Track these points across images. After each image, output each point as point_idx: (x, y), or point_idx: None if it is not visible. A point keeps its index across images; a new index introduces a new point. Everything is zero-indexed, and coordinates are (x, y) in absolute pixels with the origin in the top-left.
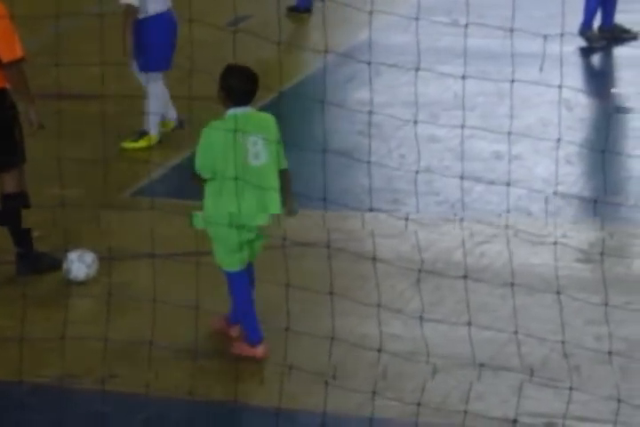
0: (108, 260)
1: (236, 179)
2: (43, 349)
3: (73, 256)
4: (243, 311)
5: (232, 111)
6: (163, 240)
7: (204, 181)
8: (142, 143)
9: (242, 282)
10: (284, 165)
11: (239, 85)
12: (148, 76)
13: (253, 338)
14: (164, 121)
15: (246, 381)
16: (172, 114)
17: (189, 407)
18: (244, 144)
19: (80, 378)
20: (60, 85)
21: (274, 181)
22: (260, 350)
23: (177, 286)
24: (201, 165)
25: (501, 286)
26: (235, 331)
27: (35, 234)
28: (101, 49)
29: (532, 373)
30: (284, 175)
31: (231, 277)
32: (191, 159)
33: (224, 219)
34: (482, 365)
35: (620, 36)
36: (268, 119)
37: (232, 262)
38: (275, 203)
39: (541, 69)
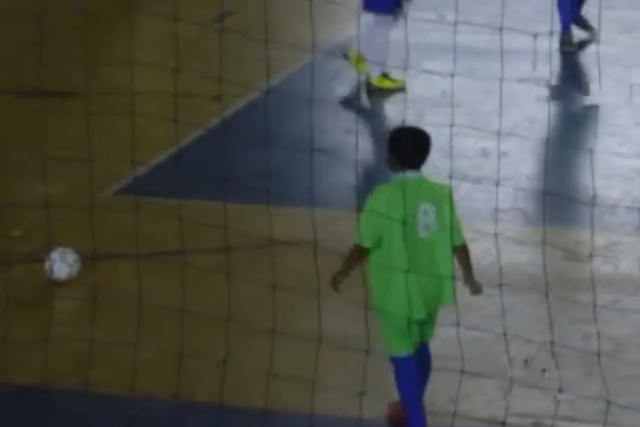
0: (91, 259)
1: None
2: (25, 350)
3: (55, 256)
4: (407, 399)
5: (402, 175)
6: (147, 240)
7: (365, 252)
8: (390, 84)
9: (407, 369)
10: (462, 239)
11: (412, 148)
12: None
13: (417, 426)
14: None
15: (231, 382)
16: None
17: (173, 409)
18: (413, 213)
19: (63, 379)
20: (42, 82)
21: (446, 258)
22: None
23: (161, 286)
24: (363, 233)
25: (489, 286)
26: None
27: (16, 233)
28: (85, 46)
29: (519, 373)
30: (462, 251)
31: (396, 362)
32: (177, 157)
33: (393, 298)
34: (469, 365)
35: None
36: (443, 186)
37: (400, 347)
38: (447, 287)
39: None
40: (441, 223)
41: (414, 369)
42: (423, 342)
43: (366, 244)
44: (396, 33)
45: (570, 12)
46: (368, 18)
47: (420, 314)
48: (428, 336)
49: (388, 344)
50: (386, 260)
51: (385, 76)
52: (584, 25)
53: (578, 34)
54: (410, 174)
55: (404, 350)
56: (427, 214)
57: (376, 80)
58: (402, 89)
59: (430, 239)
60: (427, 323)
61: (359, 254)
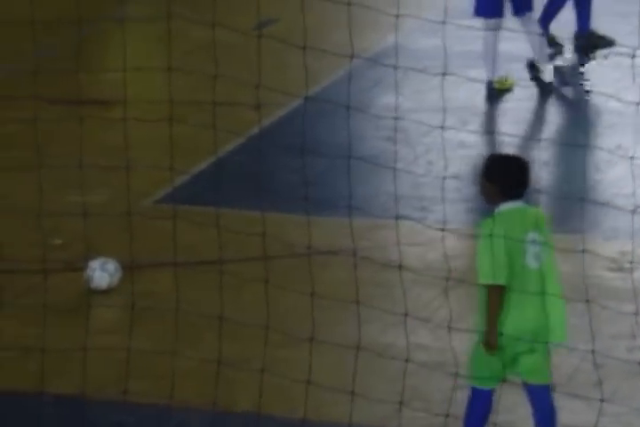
0: (130, 268)
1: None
2: (64, 359)
3: (95, 265)
4: None
5: (505, 207)
6: (186, 249)
7: (503, 291)
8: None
9: (482, 402)
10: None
11: (515, 178)
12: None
13: None
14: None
15: (270, 391)
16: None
17: (213, 418)
18: (521, 243)
19: (102, 388)
20: (81, 91)
21: (557, 288)
22: None
23: (200, 294)
24: (495, 271)
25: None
26: None
27: (56, 242)
28: (123, 54)
29: (562, 383)
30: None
31: (474, 393)
32: (217, 166)
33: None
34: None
35: (595, 43)
36: (541, 214)
37: (482, 377)
38: (560, 321)
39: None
40: (547, 252)
41: (488, 406)
42: (536, 384)
43: (502, 280)
44: (439, 41)
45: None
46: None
47: (524, 346)
48: (536, 376)
49: (473, 373)
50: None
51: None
52: (597, 37)
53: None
54: (514, 204)
55: (488, 382)
56: (534, 244)
57: (497, 82)
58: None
59: (540, 270)
60: (530, 356)
61: (499, 295)
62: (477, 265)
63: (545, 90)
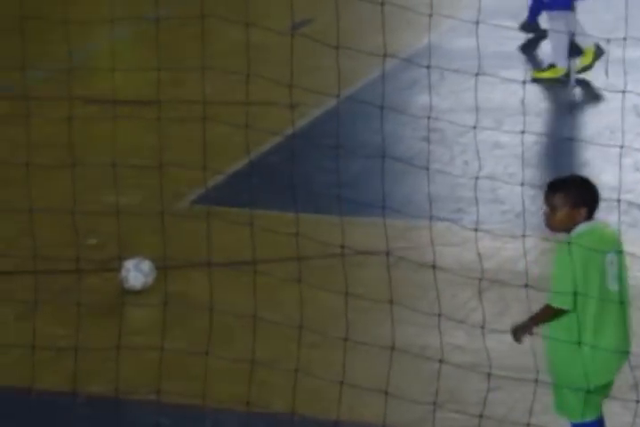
0: (164, 268)
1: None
2: (98, 359)
3: (130, 265)
4: None
5: (585, 226)
6: (220, 249)
7: (561, 314)
8: (549, 74)
9: None
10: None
11: (595, 198)
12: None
13: None
14: (555, 68)
15: (304, 392)
16: (563, 62)
17: (246, 419)
18: (601, 265)
19: (136, 389)
20: (116, 91)
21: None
22: None
23: (234, 295)
24: (564, 295)
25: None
26: None
27: (91, 242)
28: (158, 54)
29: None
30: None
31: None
32: (252, 166)
33: (581, 360)
34: (547, 377)
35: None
36: (615, 232)
37: (588, 411)
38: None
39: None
40: (625, 273)
41: None
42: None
43: (569, 305)
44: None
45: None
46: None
47: (610, 376)
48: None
49: (570, 411)
50: (574, 319)
51: (552, 66)
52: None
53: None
54: (591, 225)
55: (592, 414)
56: (612, 264)
57: (536, 73)
58: (561, 80)
59: (620, 292)
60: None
61: (554, 316)
62: (552, 286)
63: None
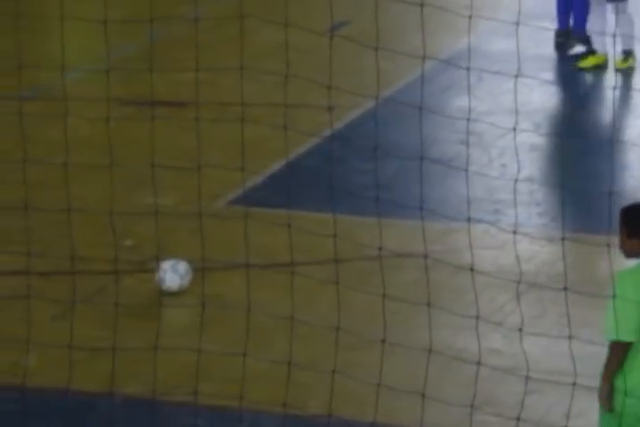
0: (201, 270)
1: None
2: (134, 360)
3: (166, 266)
4: None
5: None
6: (257, 250)
7: (627, 348)
8: (592, 61)
9: None
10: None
11: None
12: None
13: None
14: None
15: (341, 394)
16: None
17: (283, 420)
18: None
19: (172, 390)
20: (155, 92)
21: None
22: None
23: (271, 296)
24: (623, 327)
25: (605, 300)
26: None
27: (128, 243)
28: (196, 54)
29: None
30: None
31: None
32: (289, 168)
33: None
34: (585, 380)
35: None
36: None
37: None
38: None
39: None
40: None
41: None
42: None
43: (630, 338)
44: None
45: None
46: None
47: None
48: None
49: None
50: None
51: (591, 53)
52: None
53: None
54: None
55: None
56: None
57: (580, 62)
58: (603, 66)
59: None
60: None
61: (621, 352)
62: (605, 318)
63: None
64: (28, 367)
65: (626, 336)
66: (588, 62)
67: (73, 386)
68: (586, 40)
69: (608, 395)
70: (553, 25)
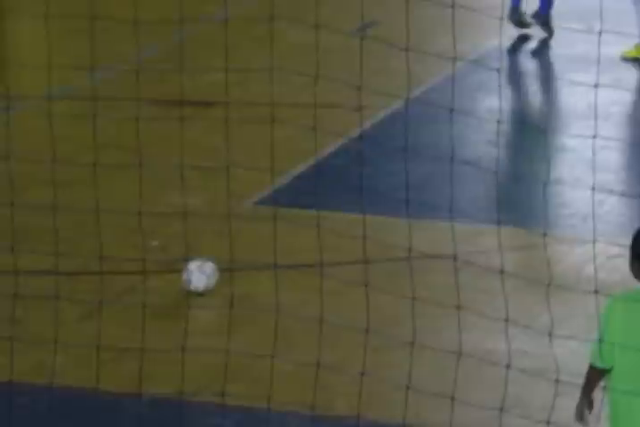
0: (229, 270)
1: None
2: (162, 360)
3: (193, 266)
4: None
5: None
6: (285, 251)
7: (601, 374)
8: (637, 53)
9: None
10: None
11: None
12: None
13: None
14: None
15: (369, 396)
16: None
17: (310, 422)
18: None
19: (199, 391)
20: (182, 92)
21: None
22: None
23: (299, 297)
24: (595, 352)
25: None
26: None
27: (154, 243)
28: (225, 55)
29: None
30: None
31: None
32: (317, 168)
33: None
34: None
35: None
36: None
37: None
38: None
39: None
40: None
41: None
42: None
43: (599, 364)
44: (543, 45)
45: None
46: None
47: None
48: None
49: None
50: (627, 385)
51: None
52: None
53: None
54: None
55: None
56: None
57: (627, 52)
58: None
59: None
60: None
61: (594, 377)
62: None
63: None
64: (55, 367)
65: (598, 362)
66: (633, 53)
67: (100, 386)
68: (545, 23)
69: (583, 413)
70: (580, 25)
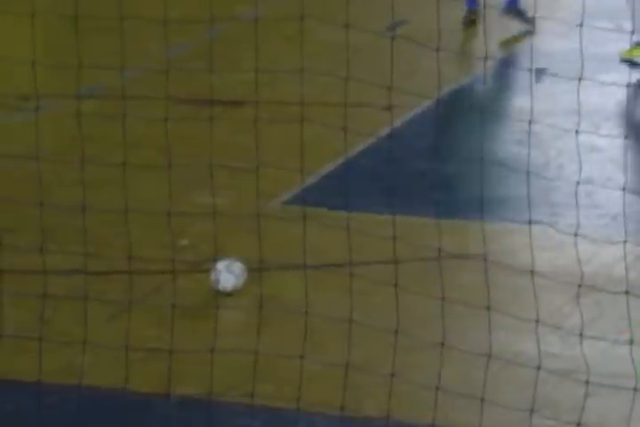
0: (257, 270)
1: None
2: (190, 361)
3: (221, 266)
4: None
5: None
6: (314, 251)
7: None
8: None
9: None
10: None
11: None
12: None
13: None
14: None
15: (399, 396)
16: None
17: (340, 423)
18: None
19: (227, 391)
20: (212, 91)
21: None
22: None
23: (328, 297)
24: None
25: None
26: None
27: (183, 243)
28: (255, 54)
29: None
30: None
31: None
32: (346, 168)
33: None
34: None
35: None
36: None
37: None
38: None
39: None
40: None
41: None
42: None
43: None
44: (572, 43)
45: None
46: None
47: None
48: None
49: None
50: None
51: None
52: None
53: None
54: None
55: None
56: None
57: (627, 52)
58: None
59: None
60: None
61: None
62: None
63: None
64: (83, 367)
65: None
66: (635, 53)
67: (129, 386)
68: (518, 12)
69: None
70: (611, 24)
